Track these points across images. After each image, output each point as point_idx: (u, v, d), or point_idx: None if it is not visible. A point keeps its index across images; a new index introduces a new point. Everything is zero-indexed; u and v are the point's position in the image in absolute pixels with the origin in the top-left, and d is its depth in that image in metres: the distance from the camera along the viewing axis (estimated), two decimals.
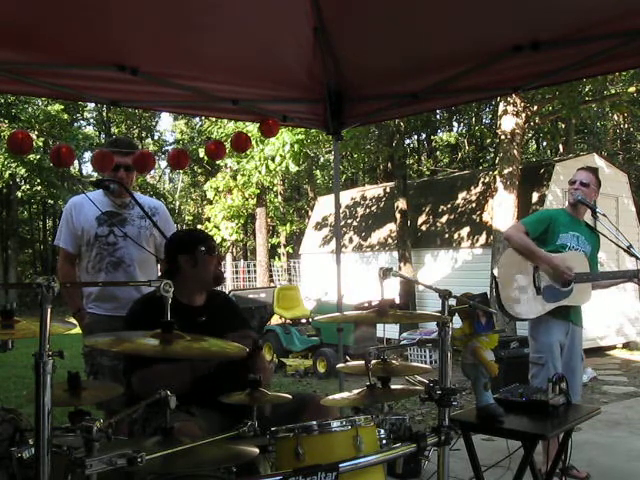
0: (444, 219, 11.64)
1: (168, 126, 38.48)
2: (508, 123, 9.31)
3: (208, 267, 2.72)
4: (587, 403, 5.21)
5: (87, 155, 22.69)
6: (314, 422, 1.95)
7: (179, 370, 2.40)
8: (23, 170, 19.55)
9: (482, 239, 10.58)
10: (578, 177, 3.97)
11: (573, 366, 3.87)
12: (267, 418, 2.28)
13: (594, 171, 4.11)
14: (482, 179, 11.47)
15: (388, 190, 13.10)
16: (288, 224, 21.91)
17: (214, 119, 16.03)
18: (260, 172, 12.85)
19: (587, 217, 4.09)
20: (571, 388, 3.73)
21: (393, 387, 2.30)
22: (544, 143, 23.18)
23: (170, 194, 31.65)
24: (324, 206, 14.41)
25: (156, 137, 30.51)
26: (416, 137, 24.51)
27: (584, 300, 3.88)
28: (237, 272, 20.31)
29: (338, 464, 1.78)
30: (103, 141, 24.37)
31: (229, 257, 22.12)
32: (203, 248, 2.71)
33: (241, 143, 4.16)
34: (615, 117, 19.14)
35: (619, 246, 3.86)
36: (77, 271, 3.47)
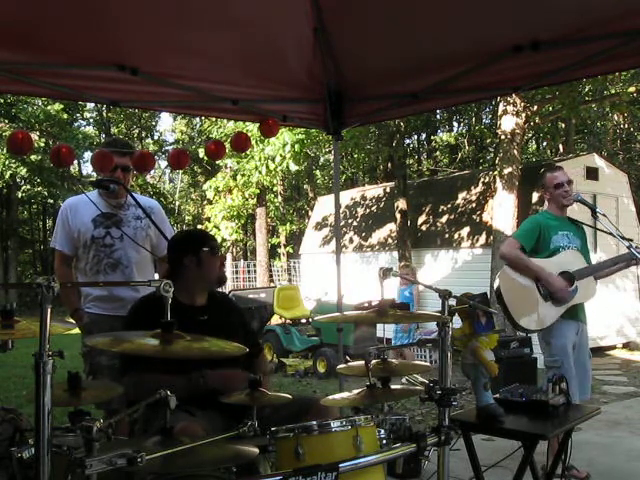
0: (444, 219, 11.64)
1: (168, 126, 38.46)
2: (508, 123, 9.31)
3: (212, 267, 2.74)
4: (587, 403, 5.21)
5: (87, 155, 22.69)
6: (314, 422, 1.95)
7: (176, 384, 2.34)
8: (24, 170, 19.55)
9: (482, 239, 10.58)
10: (562, 179, 3.97)
11: (584, 363, 3.89)
12: (267, 418, 2.28)
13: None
14: (482, 179, 11.46)
15: (388, 190, 13.09)
16: (288, 224, 21.92)
17: (214, 119, 16.03)
18: (260, 172, 12.84)
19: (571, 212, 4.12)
20: (583, 386, 3.80)
21: (393, 387, 2.30)
22: (544, 143, 23.17)
23: (170, 194, 31.64)
24: (324, 206, 14.41)
25: (156, 137, 30.52)
26: (416, 137, 24.53)
27: (590, 295, 3.90)
28: (237, 272, 20.31)
29: (338, 464, 1.78)
30: (103, 141, 24.38)
31: (229, 257, 22.12)
32: (207, 248, 2.72)
33: (241, 143, 4.16)
34: (615, 117, 19.12)
35: (622, 238, 3.85)
36: (74, 272, 3.47)
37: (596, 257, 8.54)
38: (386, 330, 8.72)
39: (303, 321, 9.59)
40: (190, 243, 2.80)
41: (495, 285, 3.86)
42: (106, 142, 3.60)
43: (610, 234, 3.95)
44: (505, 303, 3.72)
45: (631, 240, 3.80)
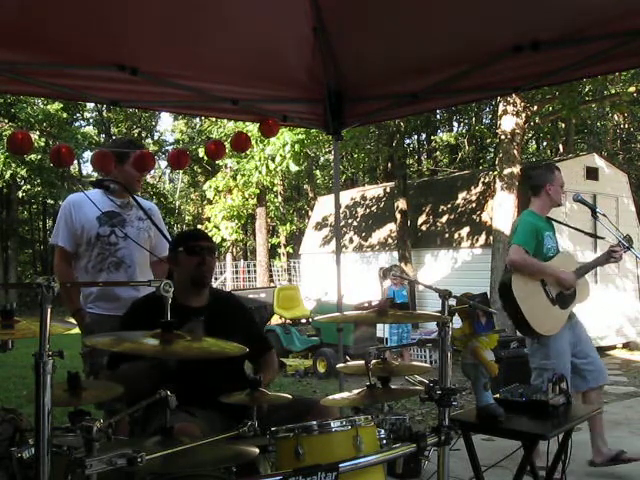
0: (444, 219, 11.65)
1: (168, 126, 38.50)
2: (508, 123, 9.31)
3: (185, 268, 2.72)
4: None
5: (87, 155, 22.70)
6: (314, 422, 1.95)
7: (144, 372, 2.36)
8: (24, 170, 19.55)
9: (482, 239, 10.58)
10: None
11: (588, 353, 3.91)
12: (267, 418, 2.27)
13: None
14: (482, 179, 11.47)
15: (388, 190, 13.10)
16: (288, 224, 21.91)
17: (214, 119, 16.03)
18: (260, 172, 12.85)
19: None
20: (597, 373, 3.87)
21: (393, 387, 2.30)
22: (544, 143, 23.16)
23: (170, 194, 31.64)
24: (324, 206, 14.41)
25: (156, 137, 30.52)
26: (416, 137, 24.51)
27: (586, 296, 3.95)
28: (237, 272, 20.32)
29: (338, 464, 1.78)
30: (103, 141, 24.38)
31: (229, 257, 22.13)
32: (181, 248, 2.73)
33: (241, 143, 4.16)
34: (615, 117, 19.13)
35: (596, 237, 3.89)
36: (74, 271, 3.45)
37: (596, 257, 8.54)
38: (386, 330, 8.74)
39: (303, 321, 9.60)
40: (172, 242, 2.90)
41: (503, 292, 3.80)
42: (125, 143, 3.56)
43: (592, 235, 3.97)
44: (523, 313, 3.68)
45: (630, 247, 3.81)
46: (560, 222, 4.23)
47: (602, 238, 3.94)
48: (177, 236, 3.03)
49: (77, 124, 25.08)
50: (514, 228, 3.98)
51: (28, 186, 21.60)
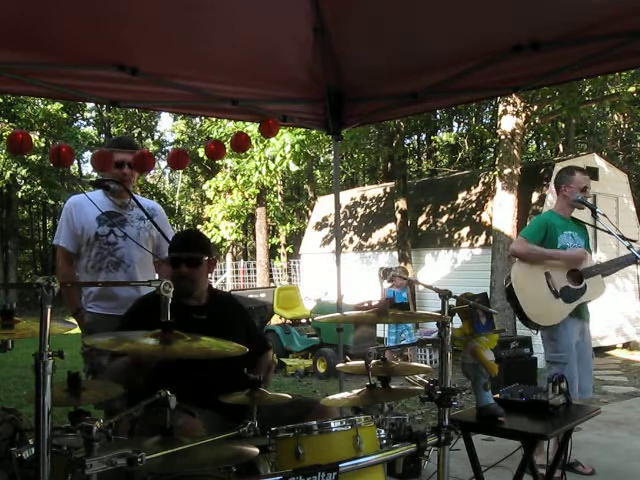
0: (444, 219, 11.64)
1: (168, 126, 38.51)
2: (508, 123, 9.31)
3: (165, 274, 2.76)
4: (587, 403, 5.21)
5: (87, 155, 22.66)
6: (314, 422, 1.95)
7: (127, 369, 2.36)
8: (24, 170, 19.54)
9: (482, 239, 10.58)
10: (588, 184, 4.04)
11: (587, 360, 3.94)
12: (267, 418, 2.27)
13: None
14: (482, 179, 11.46)
15: (388, 190, 13.09)
16: (288, 224, 21.90)
17: (214, 119, 16.02)
18: (260, 172, 12.84)
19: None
20: (587, 383, 3.88)
21: (393, 387, 2.30)
22: (544, 143, 23.15)
23: (170, 194, 31.63)
24: (324, 206, 14.41)
25: (156, 137, 30.51)
26: (416, 137, 24.50)
27: (599, 293, 3.96)
28: (237, 272, 20.32)
29: (338, 464, 1.78)
30: (103, 141, 24.36)
31: (229, 257, 22.13)
32: (165, 257, 2.78)
33: (241, 143, 4.16)
34: (615, 117, 19.11)
35: (623, 238, 3.88)
36: (76, 270, 3.46)
37: (596, 257, 8.55)
38: (386, 330, 8.73)
39: (303, 321, 9.60)
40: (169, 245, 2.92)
41: (506, 284, 3.88)
42: (111, 141, 3.59)
43: (614, 235, 3.99)
44: (518, 301, 3.78)
45: (634, 241, 3.83)
46: (592, 225, 4.25)
47: (634, 241, 3.93)
48: (172, 239, 3.04)
49: (77, 124, 25.07)
50: None
51: (28, 186, 21.56)
